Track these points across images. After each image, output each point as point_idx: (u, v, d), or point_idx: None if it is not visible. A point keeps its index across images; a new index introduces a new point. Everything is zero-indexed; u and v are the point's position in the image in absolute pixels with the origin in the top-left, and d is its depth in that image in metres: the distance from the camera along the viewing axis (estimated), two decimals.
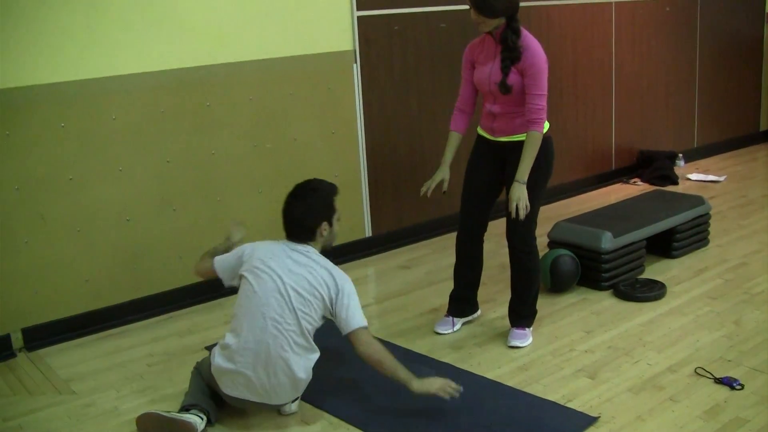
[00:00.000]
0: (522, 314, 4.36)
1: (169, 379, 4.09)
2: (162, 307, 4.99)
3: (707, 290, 4.88)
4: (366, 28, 5.60)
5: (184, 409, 3.52)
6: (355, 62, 5.59)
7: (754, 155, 8.56)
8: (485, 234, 4.42)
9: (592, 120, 7.30)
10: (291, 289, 3.43)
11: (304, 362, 3.46)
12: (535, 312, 4.41)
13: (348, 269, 5.49)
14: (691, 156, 8.21)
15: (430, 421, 3.51)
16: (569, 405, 3.63)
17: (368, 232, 5.87)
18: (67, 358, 4.43)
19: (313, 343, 3.49)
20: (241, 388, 3.48)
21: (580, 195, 7.21)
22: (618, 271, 4.95)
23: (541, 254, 4.86)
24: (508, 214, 4.12)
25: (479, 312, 4.65)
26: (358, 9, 5.53)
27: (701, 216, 5.51)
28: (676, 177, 7.42)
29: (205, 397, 3.59)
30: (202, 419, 3.47)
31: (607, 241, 4.86)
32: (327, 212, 3.66)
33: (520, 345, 4.28)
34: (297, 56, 5.30)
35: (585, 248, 4.92)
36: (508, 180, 4.11)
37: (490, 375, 3.96)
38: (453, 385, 3.42)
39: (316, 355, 3.51)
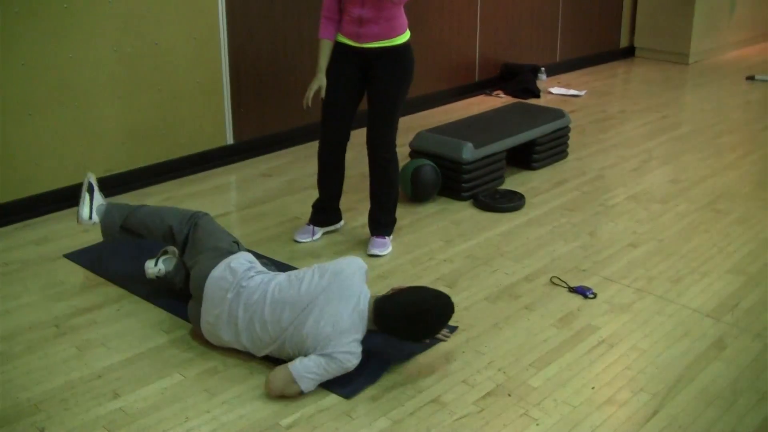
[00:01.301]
0: (382, 222, 4.37)
1: (25, 288, 3.98)
2: (17, 214, 4.77)
3: (565, 202, 4.99)
4: None
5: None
6: None
7: (613, 71, 8.74)
8: (347, 144, 4.36)
9: (456, 31, 7.27)
10: None
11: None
12: (394, 220, 4.43)
13: (209, 177, 5.44)
14: (553, 70, 8.32)
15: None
16: None
17: (230, 140, 5.72)
18: None
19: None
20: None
21: (442, 106, 7.21)
22: (478, 182, 4.99)
23: (402, 164, 4.88)
24: (369, 122, 4.14)
25: (342, 222, 4.62)
26: None
27: (561, 129, 5.60)
28: (538, 90, 7.51)
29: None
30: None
31: (468, 152, 4.88)
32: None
33: (380, 253, 4.29)
34: None
35: (446, 158, 4.94)
36: (372, 88, 4.11)
37: None
38: None
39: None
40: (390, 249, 4.35)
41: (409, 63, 4.16)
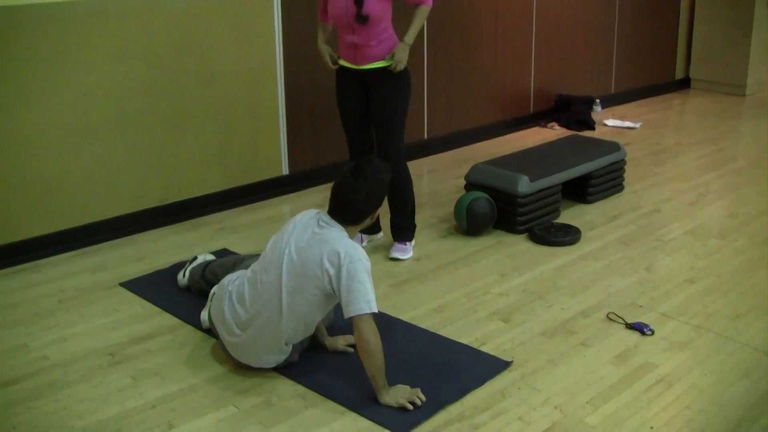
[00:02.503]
0: (403, 227, 4.61)
1: (80, 316, 4.02)
2: (73, 242, 4.84)
3: (620, 236, 4.93)
4: None
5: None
6: None
7: (669, 103, 8.65)
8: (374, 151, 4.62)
9: (511, 62, 7.26)
10: (291, 263, 3.28)
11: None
12: (414, 226, 4.68)
13: (264, 207, 5.46)
14: (608, 101, 8.26)
15: (347, 361, 3.47)
16: (483, 348, 3.63)
17: (285, 170, 5.75)
18: None
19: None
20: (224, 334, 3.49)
21: (497, 137, 7.18)
22: (534, 215, 4.95)
23: (458, 196, 4.99)
24: (376, 138, 4.48)
25: (381, 234, 4.84)
26: None
27: (616, 162, 5.54)
28: (593, 122, 7.45)
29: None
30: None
31: (524, 185, 4.85)
32: (381, 202, 3.44)
33: (402, 257, 4.59)
34: None
35: (501, 191, 4.91)
36: (374, 106, 4.46)
37: (404, 317, 3.93)
38: (420, 395, 3.23)
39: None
40: (411, 254, 4.64)
41: (406, 78, 4.43)
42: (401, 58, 4.30)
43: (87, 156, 4.81)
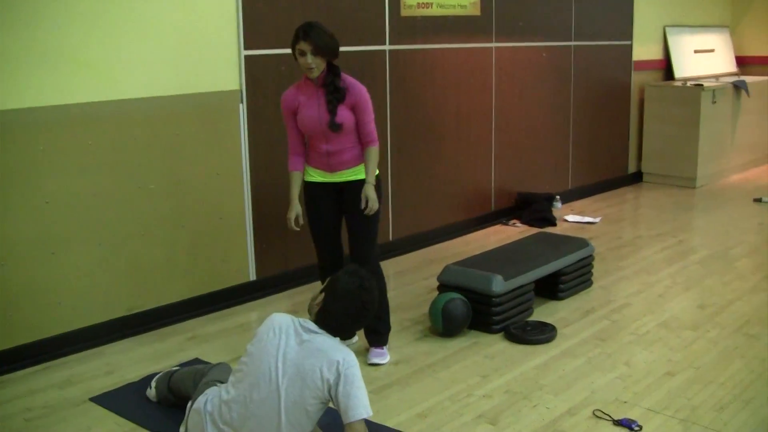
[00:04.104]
0: (381, 331, 4.59)
1: None
2: (39, 356, 4.69)
3: (596, 332, 4.93)
4: (253, 67, 5.47)
5: None
6: (242, 102, 5.45)
7: (623, 197, 8.82)
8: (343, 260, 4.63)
9: (473, 163, 7.35)
10: (288, 378, 3.22)
11: None
12: (389, 328, 4.63)
13: (233, 314, 5.38)
14: (566, 197, 8.39)
15: None
16: None
17: (252, 276, 5.70)
18: None
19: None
20: None
21: (461, 236, 7.22)
22: (509, 314, 4.94)
23: (431, 297, 5.00)
24: (351, 243, 4.48)
25: (356, 339, 4.76)
26: (246, 48, 5.40)
27: (585, 258, 5.59)
28: (554, 219, 7.54)
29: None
30: None
31: (498, 284, 4.85)
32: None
33: (382, 362, 4.53)
34: (183, 95, 5.15)
35: (476, 291, 4.90)
36: (348, 213, 4.49)
37: (390, 423, 3.85)
38: None
39: None
40: (388, 357, 4.58)
41: (378, 185, 4.45)
42: (372, 197, 4.33)
43: (51, 266, 4.69)
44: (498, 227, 7.51)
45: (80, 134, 4.73)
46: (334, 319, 3.32)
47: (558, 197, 8.07)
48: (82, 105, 4.69)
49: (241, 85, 5.43)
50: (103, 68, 4.76)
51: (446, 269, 5.11)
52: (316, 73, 4.26)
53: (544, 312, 5.24)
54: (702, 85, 8.99)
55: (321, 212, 4.52)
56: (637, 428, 3.72)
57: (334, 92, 4.28)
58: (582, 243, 5.62)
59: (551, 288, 5.43)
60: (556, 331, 4.85)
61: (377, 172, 4.45)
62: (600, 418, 3.84)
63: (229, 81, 5.38)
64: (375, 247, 4.53)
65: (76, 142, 4.71)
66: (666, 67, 9.72)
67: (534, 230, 6.82)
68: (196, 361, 4.56)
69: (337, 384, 3.15)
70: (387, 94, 6.45)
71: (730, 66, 10.60)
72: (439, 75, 6.88)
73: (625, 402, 4.00)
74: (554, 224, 7.44)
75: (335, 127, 4.27)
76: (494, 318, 4.87)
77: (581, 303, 5.42)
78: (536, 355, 4.59)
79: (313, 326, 3.30)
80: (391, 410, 3.99)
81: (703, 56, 10.12)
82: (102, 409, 4.11)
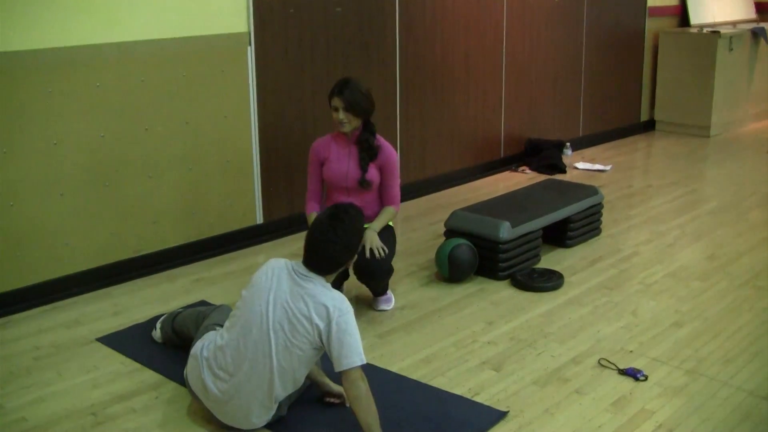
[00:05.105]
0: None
1: (58, 374, 3.89)
2: (47, 296, 4.71)
3: (603, 280, 4.90)
4: (261, 10, 5.39)
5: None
6: (250, 45, 5.38)
7: (635, 145, 8.73)
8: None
9: (482, 108, 7.27)
10: (278, 321, 3.19)
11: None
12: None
13: (239, 257, 5.36)
14: (577, 145, 8.31)
15: (337, 416, 3.39)
16: (476, 399, 3.56)
17: (259, 219, 5.67)
18: None
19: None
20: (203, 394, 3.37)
21: (469, 183, 7.17)
22: (515, 261, 4.92)
23: (438, 243, 4.97)
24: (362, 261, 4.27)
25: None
26: None
27: (594, 206, 5.54)
28: (564, 166, 7.47)
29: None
30: None
31: (506, 231, 4.81)
32: (357, 250, 3.43)
33: (388, 308, 4.53)
34: (191, 37, 5.09)
35: (483, 237, 4.87)
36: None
37: (393, 368, 3.85)
38: None
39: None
40: (393, 301, 4.58)
41: (393, 237, 4.51)
42: (373, 239, 4.24)
43: (59, 207, 4.69)
44: (507, 174, 7.45)
45: (88, 76, 4.69)
46: (307, 251, 3.28)
47: (568, 144, 7.99)
48: (89, 47, 4.64)
49: (249, 27, 5.36)
50: (109, 10, 4.70)
51: (453, 215, 5.07)
52: (347, 129, 4.31)
53: (551, 260, 5.21)
54: (719, 32, 8.80)
55: None
56: (642, 378, 3.71)
57: (368, 150, 4.35)
58: (591, 190, 5.56)
59: (559, 235, 5.39)
60: (563, 278, 4.83)
61: (389, 222, 4.48)
62: (605, 367, 3.83)
63: (237, 23, 5.31)
64: (391, 266, 4.43)
65: (83, 84, 4.67)
66: (681, 13, 9.53)
67: (543, 177, 6.76)
68: (202, 303, 4.56)
69: (328, 332, 3.12)
70: (396, 38, 6.36)
71: (749, 12, 10.38)
72: (449, 18, 6.77)
73: (631, 351, 3.99)
74: (564, 171, 7.37)
75: (365, 184, 4.34)
76: (501, 265, 4.84)
77: (589, 251, 5.39)
78: (542, 303, 4.57)
79: (303, 269, 3.26)
80: (395, 355, 3.99)
81: (720, 2, 9.93)
82: (108, 349, 4.14)
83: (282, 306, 3.18)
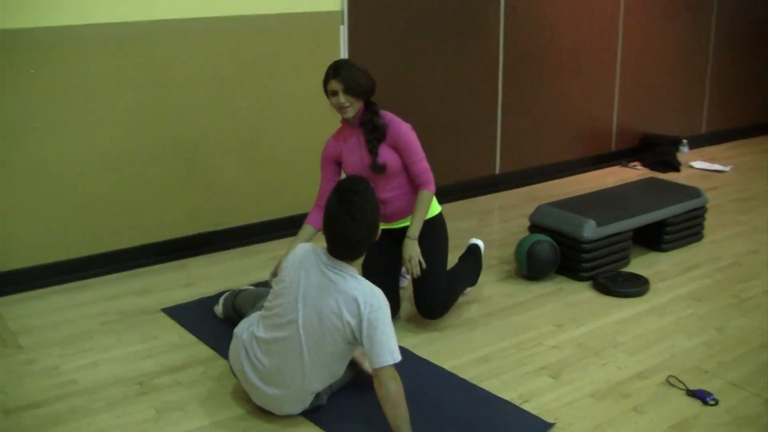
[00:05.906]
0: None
1: (118, 340, 3.96)
2: (125, 262, 4.81)
3: (693, 290, 4.59)
4: None
5: None
6: (342, 23, 5.31)
7: (762, 146, 8.20)
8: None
9: (593, 98, 6.97)
10: (307, 319, 3.10)
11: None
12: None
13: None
14: (698, 142, 7.87)
15: (377, 409, 3.26)
16: (525, 406, 3.36)
17: None
18: (22, 310, 4.31)
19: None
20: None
21: (575, 175, 6.91)
22: (600, 262, 4.66)
23: (520, 237, 4.81)
24: (420, 282, 4.00)
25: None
26: None
27: (696, 209, 5.19)
28: (679, 164, 7.09)
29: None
30: None
31: (590, 230, 4.56)
32: (378, 224, 3.24)
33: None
34: (281, 14, 5.06)
35: (566, 235, 4.64)
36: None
37: (446, 365, 3.70)
38: None
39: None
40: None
41: (442, 230, 4.14)
42: (413, 256, 3.88)
43: (143, 177, 4.76)
44: (617, 168, 7.14)
45: (174, 49, 4.75)
46: (329, 241, 3.13)
47: (685, 141, 7.57)
48: (173, 21, 4.70)
49: (342, 5, 5.28)
50: None
51: (538, 209, 4.86)
52: (350, 113, 3.90)
53: (642, 263, 4.92)
54: None
55: (376, 259, 3.96)
56: (712, 402, 3.42)
57: (373, 131, 3.93)
58: (694, 192, 5.22)
59: (655, 238, 5.09)
60: (648, 284, 4.55)
61: (438, 210, 4.12)
62: (673, 385, 3.56)
63: (330, 2, 5.23)
64: (444, 284, 4.06)
65: (169, 56, 4.74)
66: None
67: (654, 174, 6.42)
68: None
69: (360, 329, 3.00)
70: (501, 22, 6.14)
71: None
72: (558, 4, 6.49)
73: (706, 372, 3.69)
74: (678, 170, 7.00)
75: (378, 168, 3.93)
76: (583, 265, 4.60)
77: (685, 257, 5.06)
78: (621, 309, 4.31)
79: (330, 260, 3.13)
80: (452, 351, 3.84)
81: None
82: (170, 320, 4.18)
83: (311, 303, 3.08)
